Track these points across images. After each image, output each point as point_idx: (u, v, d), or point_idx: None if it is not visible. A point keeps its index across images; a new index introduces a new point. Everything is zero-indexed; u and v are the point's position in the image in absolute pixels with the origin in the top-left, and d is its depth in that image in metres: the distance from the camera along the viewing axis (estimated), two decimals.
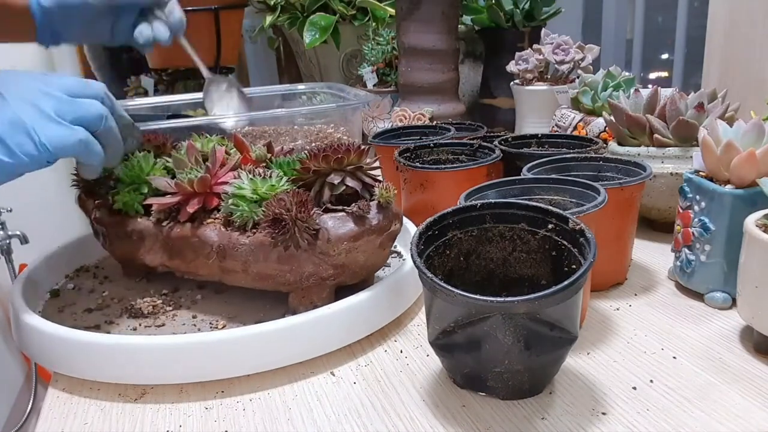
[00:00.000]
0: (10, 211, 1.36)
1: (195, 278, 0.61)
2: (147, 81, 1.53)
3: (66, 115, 0.51)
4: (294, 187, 0.54)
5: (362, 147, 0.55)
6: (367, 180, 0.55)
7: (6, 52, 1.45)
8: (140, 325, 0.57)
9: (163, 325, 0.57)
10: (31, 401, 1.41)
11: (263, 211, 0.52)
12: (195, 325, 0.57)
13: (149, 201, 0.58)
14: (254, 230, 0.53)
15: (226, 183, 0.56)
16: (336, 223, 0.52)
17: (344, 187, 0.54)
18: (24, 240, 1.36)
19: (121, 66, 1.61)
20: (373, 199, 0.55)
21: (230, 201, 0.54)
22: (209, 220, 0.56)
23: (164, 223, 0.58)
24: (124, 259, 0.65)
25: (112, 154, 0.55)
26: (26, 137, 0.48)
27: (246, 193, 0.53)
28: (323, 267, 0.53)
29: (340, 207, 0.54)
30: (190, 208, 0.55)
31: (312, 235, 0.51)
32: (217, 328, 0.56)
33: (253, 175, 0.55)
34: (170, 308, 0.59)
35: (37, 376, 1.43)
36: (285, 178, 0.55)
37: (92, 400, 0.49)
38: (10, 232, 1.38)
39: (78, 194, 0.67)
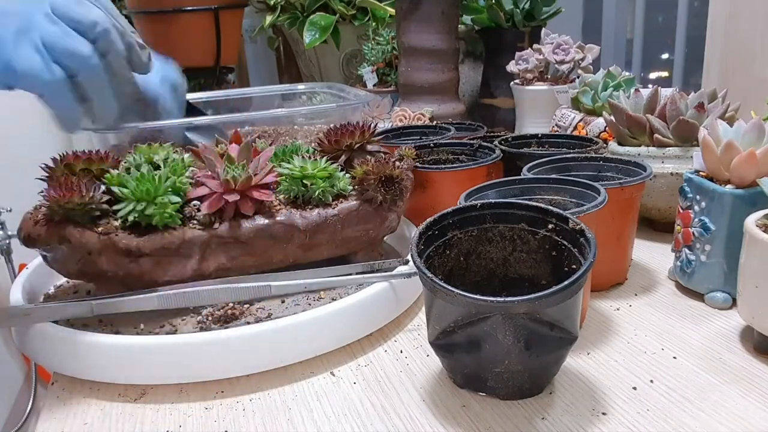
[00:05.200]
0: (10, 211, 1.35)
1: (260, 270, 0.58)
2: None
3: (51, 46, 0.45)
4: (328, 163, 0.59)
5: (365, 124, 0.63)
6: (383, 148, 0.65)
7: None
8: (248, 324, 0.52)
9: (269, 316, 0.54)
10: (31, 401, 1.40)
11: (367, 174, 0.57)
12: (297, 304, 0.56)
13: (202, 206, 0.54)
14: (335, 202, 0.58)
15: (274, 172, 0.58)
16: None
17: (383, 154, 0.62)
18: None
19: None
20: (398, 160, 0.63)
21: (303, 182, 0.57)
22: (276, 207, 0.57)
23: (215, 226, 0.54)
24: (169, 282, 0.55)
25: (99, 108, 0.48)
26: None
27: (316, 172, 0.57)
28: (393, 218, 0.61)
29: None
30: (263, 196, 0.55)
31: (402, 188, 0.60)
32: (321, 298, 0.57)
33: (303, 158, 0.59)
34: (246, 305, 0.56)
35: (37, 376, 1.43)
36: (322, 158, 0.60)
37: (92, 400, 0.49)
38: (10, 232, 1.37)
39: (23, 232, 0.54)
